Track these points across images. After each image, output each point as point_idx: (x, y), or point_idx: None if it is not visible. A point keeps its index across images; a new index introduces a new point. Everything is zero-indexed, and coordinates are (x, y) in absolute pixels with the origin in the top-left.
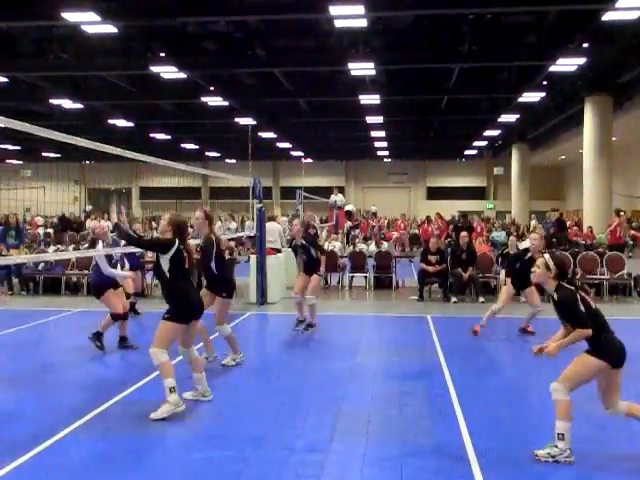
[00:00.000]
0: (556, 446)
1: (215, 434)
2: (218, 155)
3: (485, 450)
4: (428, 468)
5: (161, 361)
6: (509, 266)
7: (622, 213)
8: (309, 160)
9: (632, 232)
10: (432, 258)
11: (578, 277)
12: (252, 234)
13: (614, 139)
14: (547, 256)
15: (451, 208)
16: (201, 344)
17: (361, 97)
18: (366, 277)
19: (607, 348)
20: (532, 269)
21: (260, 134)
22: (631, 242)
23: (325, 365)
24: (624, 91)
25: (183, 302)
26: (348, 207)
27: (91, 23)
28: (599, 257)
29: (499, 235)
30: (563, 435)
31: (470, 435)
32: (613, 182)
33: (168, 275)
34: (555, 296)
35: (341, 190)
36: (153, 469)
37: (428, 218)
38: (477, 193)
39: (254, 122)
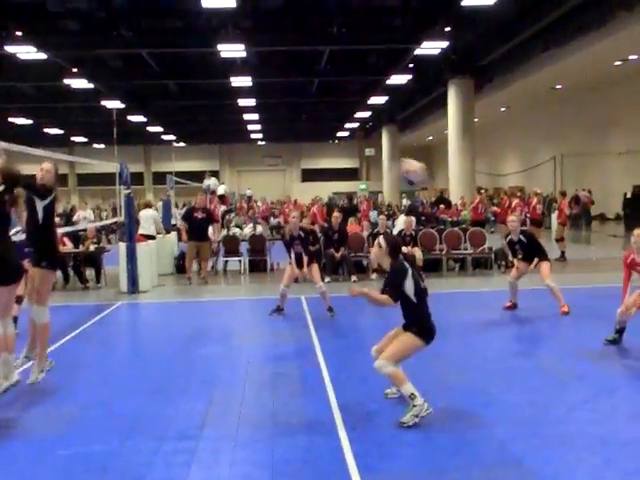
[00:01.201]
0: (414, 405)
1: (80, 428)
2: (85, 140)
3: (355, 424)
4: (299, 446)
5: None
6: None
7: (483, 191)
8: (182, 144)
9: (493, 208)
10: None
11: (444, 252)
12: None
13: (476, 120)
14: (381, 237)
15: (325, 189)
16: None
17: (233, 79)
18: (240, 261)
19: (428, 330)
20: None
21: (129, 118)
22: (492, 218)
23: (198, 351)
24: (484, 74)
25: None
26: (220, 190)
27: None
28: (463, 233)
29: (372, 215)
30: (412, 394)
31: (341, 411)
32: (476, 161)
33: None
34: (389, 269)
35: (215, 174)
36: (17, 471)
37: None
38: (350, 174)
39: (122, 105)
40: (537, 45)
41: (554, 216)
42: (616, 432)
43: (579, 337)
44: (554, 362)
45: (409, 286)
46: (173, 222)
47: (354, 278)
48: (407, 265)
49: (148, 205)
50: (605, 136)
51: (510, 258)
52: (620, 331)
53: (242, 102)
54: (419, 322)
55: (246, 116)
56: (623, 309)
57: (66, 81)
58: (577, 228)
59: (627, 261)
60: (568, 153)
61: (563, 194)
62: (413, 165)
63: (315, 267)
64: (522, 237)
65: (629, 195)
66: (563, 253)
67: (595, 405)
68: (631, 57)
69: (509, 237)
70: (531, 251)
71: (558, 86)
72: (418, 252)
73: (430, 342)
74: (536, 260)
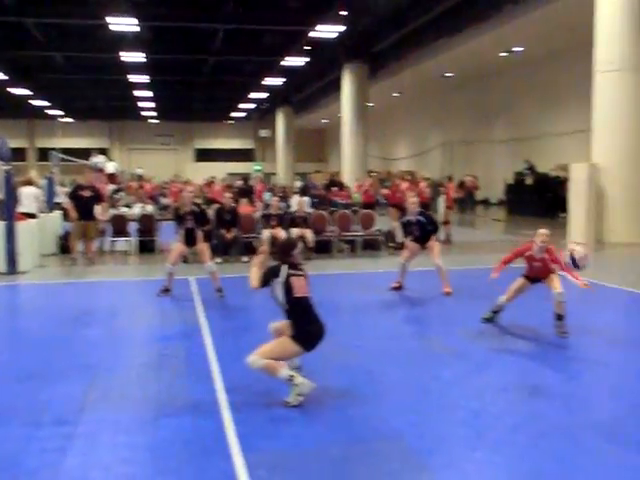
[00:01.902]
0: (295, 385)
1: None
2: None
3: (240, 405)
4: (183, 428)
5: None
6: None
7: (374, 174)
8: (69, 120)
9: (384, 191)
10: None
11: (336, 235)
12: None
13: (370, 105)
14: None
15: (220, 170)
16: None
17: (124, 54)
18: (129, 241)
19: (305, 339)
20: None
21: (11, 90)
22: (383, 201)
23: (80, 332)
24: (378, 60)
25: None
26: (110, 168)
27: None
28: (353, 215)
29: (266, 196)
30: (290, 376)
31: (226, 392)
32: (369, 145)
33: None
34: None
35: (104, 152)
36: None
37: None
38: (245, 155)
39: (5, 77)
40: (429, 33)
41: (441, 200)
42: (487, 406)
43: (460, 317)
44: (436, 341)
45: (278, 291)
46: (58, 200)
47: (245, 259)
48: (286, 272)
49: (29, 182)
50: (491, 124)
51: (400, 240)
52: (496, 311)
53: (134, 78)
54: (296, 327)
55: (138, 93)
56: (506, 297)
57: None
58: (462, 212)
59: (523, 253)
60: (456, 140)
61: (450, 179)
62: (581, 252)
63: (205, 246)
64: (421, 217)
65: (511, 181)
66: (449, 236)
67: (470, 381)
68: (515, 49)
69: (406, 218)
70: (428, 231)
71: (448, 74)
72: (309, 234)
73: (311, 349)
74: (434, 239)
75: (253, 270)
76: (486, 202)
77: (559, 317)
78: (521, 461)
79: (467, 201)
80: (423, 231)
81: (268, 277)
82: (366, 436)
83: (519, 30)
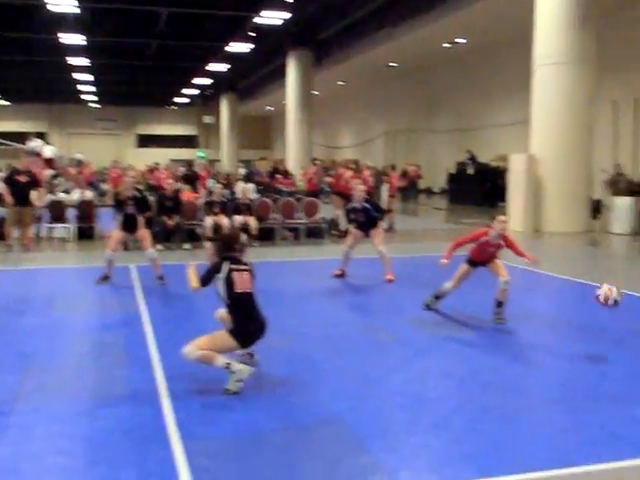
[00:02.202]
0: (233, 372)
1: None
2: None
3: (180, 392)
4: (121, 417)
5: None
6: None
7: (317, 162)
8: (5, 102)
9: (328, 179)
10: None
11: (279, 222)
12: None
13: (315, 93)
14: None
15: (162, 156)
16: None
17: (63, 36)
18: (67, 228)
19: (242, 335)
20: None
21: None
22: (327, 189)
23: (16, 321)
24: (323, 48)
25: None
26: (48, 153)
27: None
28: (297, 203)
29: (210, 183)
30: (227, 363)
31: (166, 380)
32: (314, 133)
33: None
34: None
35: (42, 136)
36: None
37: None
38: (188, 141)
39: None
40: (373, 23)
41: (384, 188)
42: (427, 390)
43: (402, 304)
44: (378, 327)
45: (220, 287)
46: None
47: (187, 246)
48: (227, 267)
49: None
50: (434, 114)
51: (343, 227)
52: (438, 297)
53: (73, 61)
54: (235, 323)
55: (78, 76)
56: (452, 284)
57: None
58: (405, 201)
59: (478, 238)
60: (400, 129)
61: (393, 168)
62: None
63: (146, 233)
64: (367, 204)
65: (452, 171)
66: (392, 224)
67: (411, 366)
68: (458, 40)
69: (352, 204)
70: (373, 218)
71: (393, 64)
72: (253, 221)
73: (247, 346)
74: (378, 227)
75: (190, 271)
76: (429, 191)
77: (499, 304)
78: (458, 444)
79: (410, 190)
80: (368, 217)
81: (209, 276)
82: (306, 422)
83: (462, 22)
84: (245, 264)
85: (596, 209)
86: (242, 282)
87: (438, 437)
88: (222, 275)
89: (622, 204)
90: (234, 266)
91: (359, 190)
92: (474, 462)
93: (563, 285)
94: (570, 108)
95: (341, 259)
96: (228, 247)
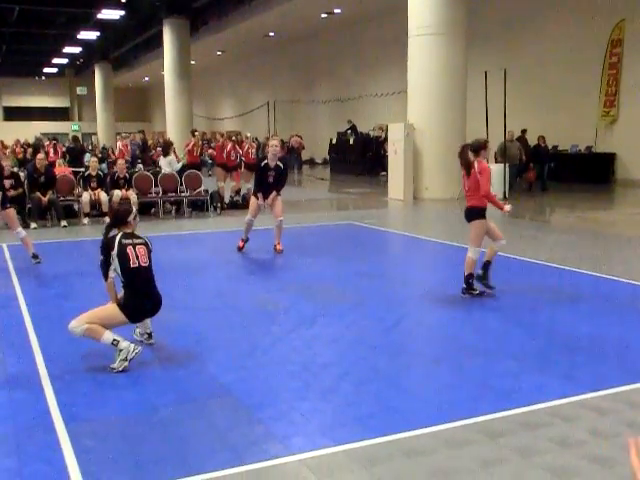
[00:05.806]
0: (120, 350)
1: None
2: None
3: (62, 374)
4: (1, 403)
5: None
6: None
7: (196, 133)
8: None
9: (210, 151)
10: (7, 182)
11: (160, 195)
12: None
13: (193, 62)
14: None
15: (32, 130)
16: None
17: None
18: None
19: (132, 310)
20: None
21: None
22: (210, 161)
23: None
24: (200, 16)
25: None
26: None
27: None
28: (178, 175)
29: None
30: (114, 339)
31: (47, 362)
32: (194, 104)
33: None
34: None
35: None
36: None
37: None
38: (60, 114)
39: None
40: None
41: None
42: (315, 357)
43: (292, 273)
44: (264, 298)
45: (115, 265)
46: None
47: (64, 223)
48: (117, 241)
49: None
50: (314, 85)
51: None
52: (485, 267)
53: None
54: (126, 297)
55: None
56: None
57: None
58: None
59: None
60: (281, 100)
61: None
62: None
63: (12, 212)
64: (279, 163)
65: (334, 141)
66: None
67: (299, 334)
68: (336, 10)
69: (264, 162)
70: (280, 181)
71: (271, 34)
72: (133, 195)
73: (135, 321)
74: (274, 194)
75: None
76: (311, 161)
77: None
78: (347, 407)
79: (293, 161)
80: (279, 177)
81: (106, 260)
82: (195, 395)
83: None
84: (139, 237)
85: None
86: (138, 256)
87: (328, 401)
88: (114, 252)
89: (493, 170)
90: (127, 240)
91: (273, 145)
92: (364, 424)
93: (439, 248)
94: (444, 78)
95: (243, 228)
96: (121, 220)
